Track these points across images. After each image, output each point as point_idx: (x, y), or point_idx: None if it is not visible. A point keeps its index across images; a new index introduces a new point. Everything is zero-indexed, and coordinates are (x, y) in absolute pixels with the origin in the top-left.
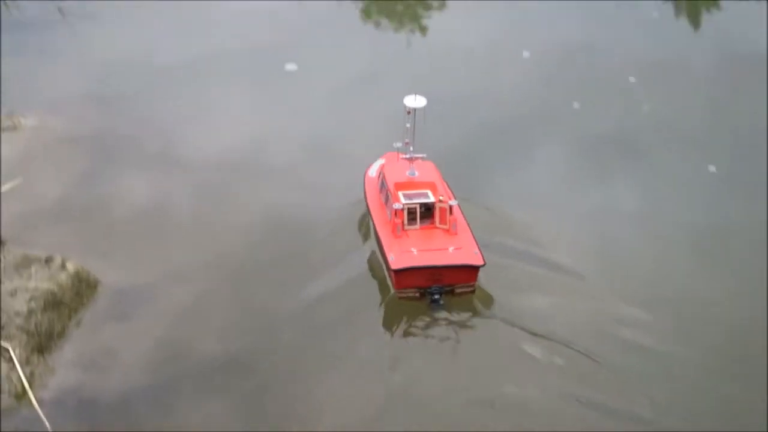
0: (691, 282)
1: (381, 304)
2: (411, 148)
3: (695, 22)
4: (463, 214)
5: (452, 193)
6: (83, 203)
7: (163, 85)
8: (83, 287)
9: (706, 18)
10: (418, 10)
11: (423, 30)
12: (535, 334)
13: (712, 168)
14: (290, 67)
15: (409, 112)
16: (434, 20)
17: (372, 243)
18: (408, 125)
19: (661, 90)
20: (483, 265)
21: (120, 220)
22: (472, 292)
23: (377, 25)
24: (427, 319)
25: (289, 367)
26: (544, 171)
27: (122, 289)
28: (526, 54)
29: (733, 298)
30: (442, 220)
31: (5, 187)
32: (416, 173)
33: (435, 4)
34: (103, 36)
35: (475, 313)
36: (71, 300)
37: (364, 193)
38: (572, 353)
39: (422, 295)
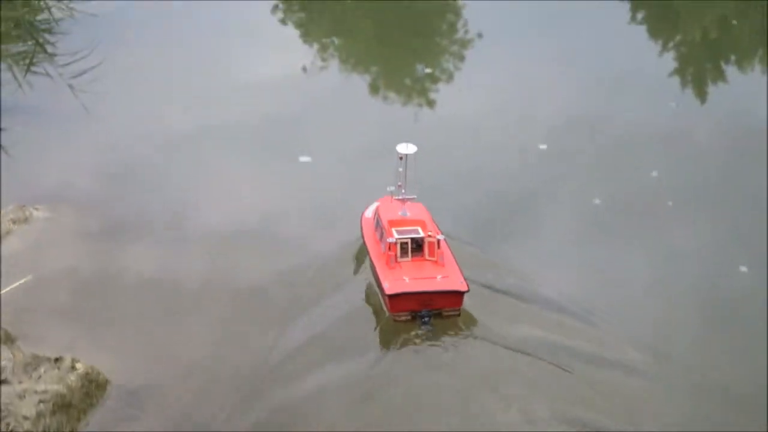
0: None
1: (376, 327)
2: (403, 191)
3: (701, 94)
4: (449, 248)
5: (439, 230)
6: (93, 297)
7: (173, 159)
8: (93, 388)
9: (713, 90)
10: (425, 84)
11: (430, 104)
12: (516, 351)
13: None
14: (303, 155)
15: (401, 158)
16: (442, 93)
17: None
18: (400, 170)
19: (668, 159)
20: (467, 291)
21: (130, 312)
22: (458, 315)
23: (384, 98)
24: (418, 339)
25: None
26: (553, 235)
27: (132, 389)
28: (539, 145)
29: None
30: (431, 253)
31: (15, 284)
32: (408, 213)
33: (443, 77)
34: (114, 110)
35: (460, 333)
36: (80, 401)
37: (361, 231)
38: (548, 366)
39: (413, 317)
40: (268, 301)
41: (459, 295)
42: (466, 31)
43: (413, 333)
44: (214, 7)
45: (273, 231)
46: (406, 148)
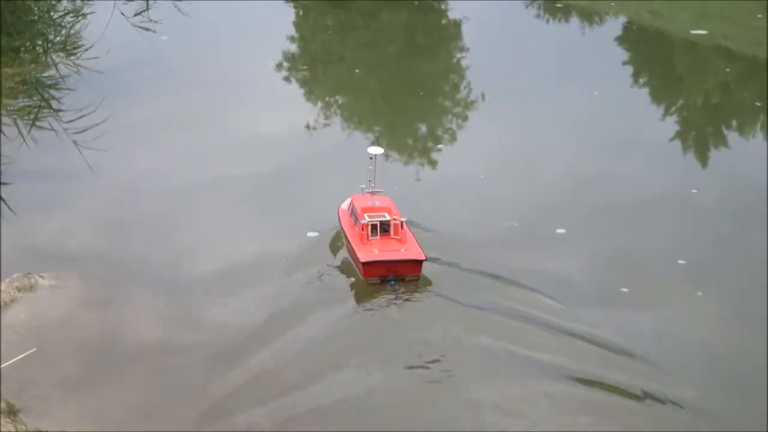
0: None
1: (352, 288)
2: (372, 185)
3: (703, 158)
4: (410, 230)
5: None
6: (99, 370)
7: (178, 216)
8: None
9: (714, 154)
10: (427, 143)
11: (432, 164)
12: (456, 301)
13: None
14: (311, 231)
15: (371, 158)
16: (444, 153)
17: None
18: (370, 168)
19: (669, 220)
20: (425, 260)
21: (136, 385)
22: (417, 279)
23: (387, 157)
24: (386, 296)
25: None
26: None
27: None
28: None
29: None
30: (395, 233)
31: (19, 357)
32: (376, 202)
33: (446, 137)
34: (118, 166)
35: (419, 291)
36: None
37: (339, 219)
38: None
39: (382, 281)
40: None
41: (419, 263)
42: (469, 92)
43: (381, 292)
44: (219, 64)
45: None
46: (375, 150)
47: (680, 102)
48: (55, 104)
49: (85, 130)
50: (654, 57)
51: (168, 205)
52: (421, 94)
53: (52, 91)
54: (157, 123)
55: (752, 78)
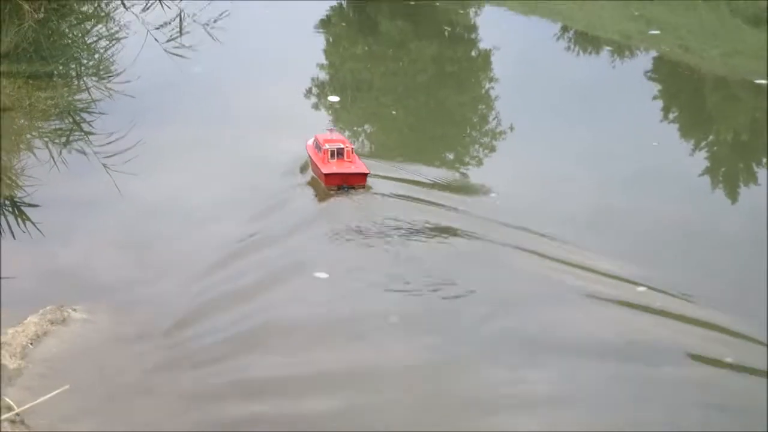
0: None
1: (315, 194)
2: (332, 127)
3: (732, 195)
4: (358, 156)
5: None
6: (132, 408)
7: (208, 245)
8: None
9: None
10: (454, 172)
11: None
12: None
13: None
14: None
15: (330, 131)
16: (472, 180)
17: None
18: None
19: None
20: (368, 174)
21: (169, 425)
22: (363, 188)
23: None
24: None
25: None
26: None
27: None
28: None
29: None
30: (348, 156)
31: (52, 394)
32: (334, 136)
33: (472, 163)
34: (148, 189)
35: (363, 192)
36: None
37: (307, 151)
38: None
39: (338, 188)
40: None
41: (364, 175)
42: (498, 123)
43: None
44: (249, 91)
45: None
46: (334, 98)
47: (710, 137)
48: (86, 127)
49: (116, 154)
50: (684, 92)
51: (195, 229)
52: (448, 125)
53: (84, 115)
54: (185, 146)
55: None
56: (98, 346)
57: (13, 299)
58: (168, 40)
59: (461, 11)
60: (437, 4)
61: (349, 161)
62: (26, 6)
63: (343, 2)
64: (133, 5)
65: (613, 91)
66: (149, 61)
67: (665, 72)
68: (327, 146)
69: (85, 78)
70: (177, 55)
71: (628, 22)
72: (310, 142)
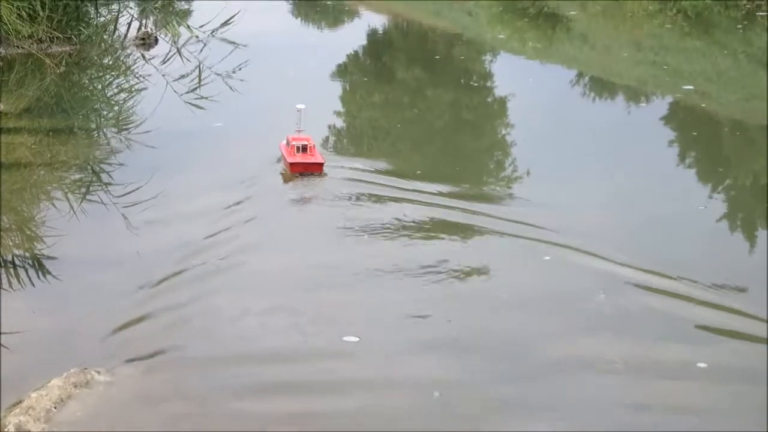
0: None
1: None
2: (300, 128)
3: (751, 238)
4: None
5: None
6: None
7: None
8: None
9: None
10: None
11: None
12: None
13: None
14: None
15: (298, 111)
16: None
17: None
18: (298, 113)
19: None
20: (324, 163)
21: None
22: (320, 174)
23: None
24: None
25: None
26: None
27: None
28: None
29: None
30: (311, 152)
31: None
32: (301, 136)
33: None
34: (164, 238)
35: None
36: None
37: (280, 148)
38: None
39: (301, 175)
40: None
41: (321, 164)
42: (515, 169)
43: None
44: (267, 139)
45: None
46: (300, 106)
47: (727, 182)
48: (105, 177)
49: (134, 204)
50: (701, 137)
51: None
52: (459, 169)
53: (104, 165)
54: (201, 191)
55: None
56: (123, 410)
57: (37, 360)
58: (188, 91)
59: (478, 60)
60: (462, 57)
61: (312, 155)
62: (48, 61)
63: (359, 51)
64: (153, 57)
65: (629, 137)
66: (168, 111)
67: (681, 117)
68: (294, 143)
69: (104, 129)
70: (196, 106)
71: (644, 68)
72: (284, 141)
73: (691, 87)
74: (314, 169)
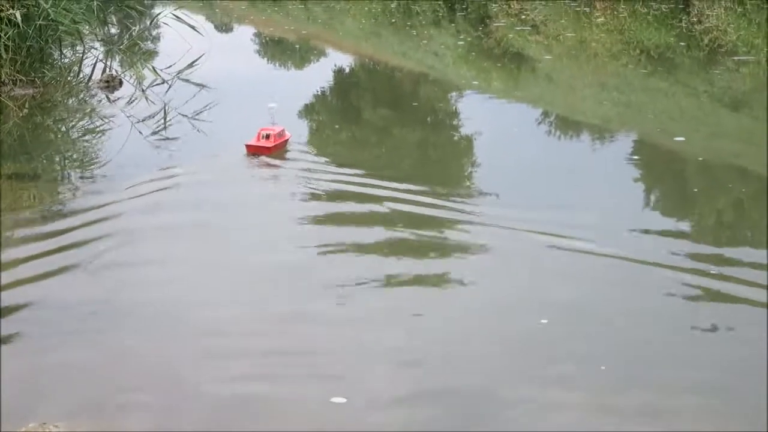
0: None
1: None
2: (274, 121)
3: None
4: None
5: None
6: None
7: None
8: None
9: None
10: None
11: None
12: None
13: None
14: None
15: (270, 108)
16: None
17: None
18: (270, 115)
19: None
20: (272, 146)
21: None
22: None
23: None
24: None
25: None
26: None
27: None
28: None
29: None
30: (274, 140)
31: None
32: (271, 128)
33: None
34: (139, 296)
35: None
36: None
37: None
38: None
39: (254, 155)
40: None
41: (269, 148)
42: (478, 208)
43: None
44: (228, 182)
45: None
46: (272, 104)
47: (693, 220)
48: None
49: (100, 256)
50: (665, 175)
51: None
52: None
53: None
54: (173, 240)
55: (765, 197)
56: None
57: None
58: (152, 133)
59: (444, 99)
60: (428, 97)
61: (269, 141)
62: (10, 104)
63: (326, 90)
64: (117, 99)
65: (594, 175)
66: (134, 152)
67: (646, 155)
68: (261, 132)
69: (69, 171)
70: (161, 147)
71: (608, 107)
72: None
73: (655, 127)
74: (263, 152)
